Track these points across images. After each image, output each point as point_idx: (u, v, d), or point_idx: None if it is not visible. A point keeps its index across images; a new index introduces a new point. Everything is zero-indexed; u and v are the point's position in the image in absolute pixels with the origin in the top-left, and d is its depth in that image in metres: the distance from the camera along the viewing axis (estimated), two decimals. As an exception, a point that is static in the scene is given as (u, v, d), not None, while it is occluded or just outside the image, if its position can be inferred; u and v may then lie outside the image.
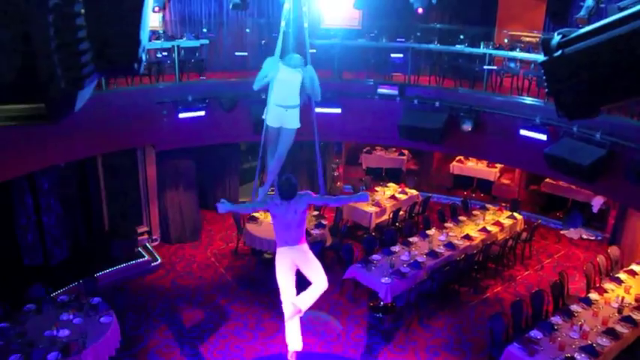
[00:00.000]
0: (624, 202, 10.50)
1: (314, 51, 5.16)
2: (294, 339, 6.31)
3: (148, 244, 11.99)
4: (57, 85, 1.56)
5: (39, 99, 1.60)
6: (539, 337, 7.89)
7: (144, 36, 1.65)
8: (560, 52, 1.77)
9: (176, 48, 11.08)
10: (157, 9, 12.81)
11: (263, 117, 6.14)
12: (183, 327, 9.46)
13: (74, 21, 1.53)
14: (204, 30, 13.08)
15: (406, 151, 15.93)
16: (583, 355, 7.50)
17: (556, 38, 1.80)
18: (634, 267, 10.09)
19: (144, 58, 1.69)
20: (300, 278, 6.27)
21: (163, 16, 13.15)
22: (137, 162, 11.69)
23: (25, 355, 7.06)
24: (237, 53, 12.83)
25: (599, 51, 1.65)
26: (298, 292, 6.13)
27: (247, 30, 13.79)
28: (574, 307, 8.69)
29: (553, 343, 7.76)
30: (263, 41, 13.65)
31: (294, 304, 6.03)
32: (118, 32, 1.59)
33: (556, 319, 8.36)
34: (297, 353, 6.44)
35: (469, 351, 9.09)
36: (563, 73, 1.76)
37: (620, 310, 8.62)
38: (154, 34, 11.89)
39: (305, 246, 6.18)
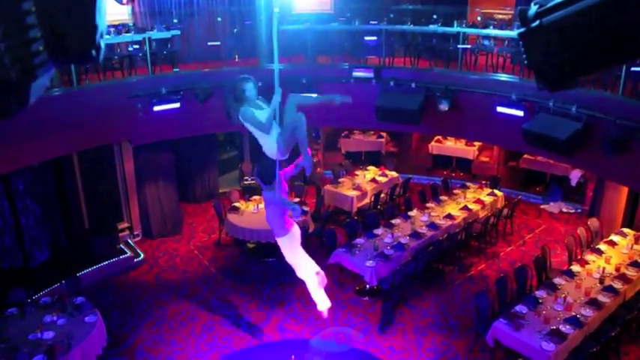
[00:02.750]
0: (602, 174, 10.60)
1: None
2: (324, 299, 6.57)
3: (129, 240, 11.86)
4: (6, 77, 1.43)
5: None
6: (524, 312, 7.97)
7: (100, 20, 1.53)
8: (537, 22, 1.72)
9: (147, 40, 10.88)
10: (125, 1, 12.61)
11: None
12: (170, 321, 9.39)
13: (20, 6, 1.40)
14: (175, 21, 12.88)
15: (384, 134, 15.93)
16: (568, 327, 7.59)
17: (533, 8, 1.74)
18: (613, 237, 10.24)
19: (102, 44, 1.57)
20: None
21: (133, 9, 12.93)
22: (114, 158, 11.54)
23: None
24: (209, 43, 12.65)
25: (578, 19, 1.60)
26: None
27: (219, 19, 13.60)
28: (557, 280, 8.80)
29: (538, 317, 7.85)
30: (235, 30, 13.49)
31: (319, 272, 6.40)
32: (72, 16, 1.46)
33: (540, 293, 8.45)
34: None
35: (456, 329, 9.16)
36: (542, 44, 1.70)
37: (601, 281, 8.74)
38: (124, 27, 11.70)
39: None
